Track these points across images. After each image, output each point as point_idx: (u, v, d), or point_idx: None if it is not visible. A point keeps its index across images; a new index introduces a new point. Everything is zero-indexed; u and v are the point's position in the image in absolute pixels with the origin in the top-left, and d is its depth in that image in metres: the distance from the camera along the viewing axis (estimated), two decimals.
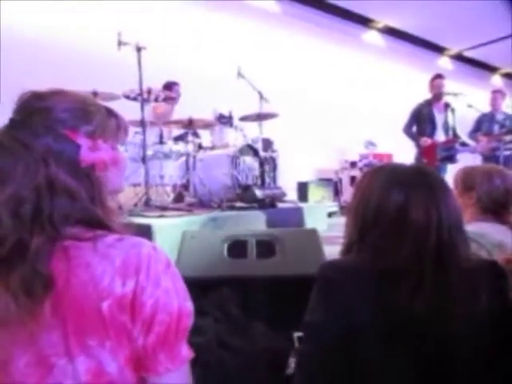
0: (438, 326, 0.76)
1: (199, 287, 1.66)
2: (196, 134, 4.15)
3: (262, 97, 4.22)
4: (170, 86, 4.32)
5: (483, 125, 4.68)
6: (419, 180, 0.86)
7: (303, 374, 0.85)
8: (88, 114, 0.69)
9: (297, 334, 1.30)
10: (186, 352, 0.69)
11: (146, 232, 2.64)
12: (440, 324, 0.76)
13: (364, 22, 7.79)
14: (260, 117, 4.28)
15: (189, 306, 0.70)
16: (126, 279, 0.62)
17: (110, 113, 0.75)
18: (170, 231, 2.67)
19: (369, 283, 0.79)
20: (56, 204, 0.61)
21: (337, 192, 6.56)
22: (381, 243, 0.83)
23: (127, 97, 3.59)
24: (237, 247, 1.80)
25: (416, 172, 0.89)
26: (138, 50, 3.17)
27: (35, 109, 0.66)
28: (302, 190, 6.00)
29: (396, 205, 0.83)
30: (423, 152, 4.19)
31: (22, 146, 0.62)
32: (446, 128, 4.31)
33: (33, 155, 0.61)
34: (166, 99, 4.08)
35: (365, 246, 0.86)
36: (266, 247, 1.82)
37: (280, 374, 1.21)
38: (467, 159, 4.63)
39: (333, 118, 6.94)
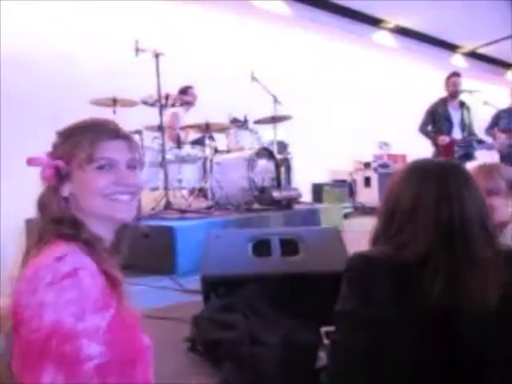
0: (457, 314, 0.78)
1: (226, 285, 1.70)
2: (212, 138, 4.21)
3: (275, 100, 4.26)
4: (185, 91, 4.36)
5: (501, 121, 4.61)
6: (443, 175, 0.89)
7: (338, 361, 0.88)
8: (60, 139, 0.80)
9: (324, 329, 1.32)
10: (48, 379, 0.59)
11: (168, 233, 2.70)
12: (461, 312, 0.78)
13: (374, 22, 7.80)
14: (274, 119, 4.32)
15: (76, 326, 0.61)
16: (16, 286, 0.66)
17: (95, 126, 0.82)
18: (190, 232, 2.72)
19: (393, 273, 0.82)
20: (39, 219, 0.77)
21: (351, 193, 6.55)
22: (403, 235, 0.86)
23: (145, 103, 3.66)
24: (261, 246, 1.83)
25: (441, 167, 0.91)
26: (156, 56, 3.24)
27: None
28: (317, 191, 6.01)
29: (417, 198, 0.86)
30: (441, 150, 4.16)
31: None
32: (463, 126, 4.29)
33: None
34: (183, 104, 4.15)
35: (389, 238, 0.89)
36: (290, 246, 1.84)
37: (310, 368, 1.24)
38: (485, 156, 4.59)
39: (346, 118, 6.94)
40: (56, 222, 0.74)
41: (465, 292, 0.78)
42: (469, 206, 0.84)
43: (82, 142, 0.76)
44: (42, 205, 0.77)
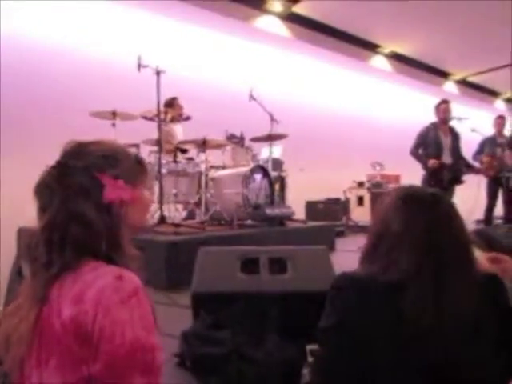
0: (438, 336, 0.82)
1: (215, 302, 1.74)
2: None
3: (272, 118, 4.35)
4: (171, 103, 4.22)
5: (486, 147, 4.85)
6: (433, 203, 0.94)
7: (318, 375, 0.93)
8: (116, 160, 0.81)
9: (309, 347, 1.37)
10: None
11: (161, 247, 2.74)
12: (441, 335, 0.83)
13: (371, 47, 8.03)
14: (270, 137, 4.40)
15: (149, 339, 0.70)
16: (73, 305, 0.68)
17: (139, 160, 0.89)
18: (183, 247, 2.76)
19: (375, 293, 0.87)
20: (78, 234, 0.74)
21: (345, 211, 6.62)
22: (390, 257, 0.91)
23: (144, 117, 3.73)
24: (250, 264, 1.87)
25: (430, 197, 0.96)
26: (157, 73, 3.32)
27: (74, 154, 0.80)
28: (311, 209, 6.08)
29: (407, 223, 0.91)
30: (431, 174, 4.27)
31: (59, 184, 0.76)
32: (452, 151, 4.40)
33: (67, 191, 0.75)
34: (180, 119, 4.22)
35: (377, 259, 0.94)
36: (278, 264, 1.88)
37: None
38: (473, 180, 4.72)
39: (341, 138, 7.08)
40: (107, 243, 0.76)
41: (443, 315, 0.83)
42: (456, 234, 0.90)
43: (134, 168, 0.85)
44: (92, 223, 0.75)
